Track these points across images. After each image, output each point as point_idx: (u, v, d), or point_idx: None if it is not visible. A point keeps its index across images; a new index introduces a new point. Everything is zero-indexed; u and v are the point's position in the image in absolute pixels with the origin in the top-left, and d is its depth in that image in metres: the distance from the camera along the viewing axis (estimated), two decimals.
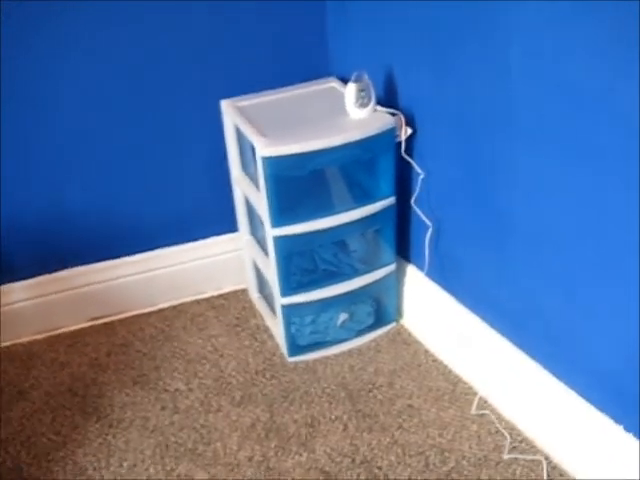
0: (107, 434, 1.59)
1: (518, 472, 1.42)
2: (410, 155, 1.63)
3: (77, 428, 1.61)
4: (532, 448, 1.47)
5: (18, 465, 1.53)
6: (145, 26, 1.69)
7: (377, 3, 1.62)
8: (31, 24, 1.60)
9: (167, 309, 1.98)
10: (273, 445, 1.53)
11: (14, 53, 1.61)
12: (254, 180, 1.69)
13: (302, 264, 1.72)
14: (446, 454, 1.47)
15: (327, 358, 1.76)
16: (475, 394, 1.60)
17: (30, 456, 1.55)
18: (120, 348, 1.85)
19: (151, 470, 1.50)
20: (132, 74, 1.72)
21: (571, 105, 1.16)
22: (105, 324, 1.94)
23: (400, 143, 1.61)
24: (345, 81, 1.62)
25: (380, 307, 1.83)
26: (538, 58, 1.20)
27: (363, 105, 1.57)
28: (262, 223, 1.67)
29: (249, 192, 1.73)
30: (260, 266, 1.82)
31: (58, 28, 1.62)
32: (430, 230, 1.62)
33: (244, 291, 2.02)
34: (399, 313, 1.86)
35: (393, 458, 1.48)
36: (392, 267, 1.77)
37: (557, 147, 1.22)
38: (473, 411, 1.57)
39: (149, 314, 1.96)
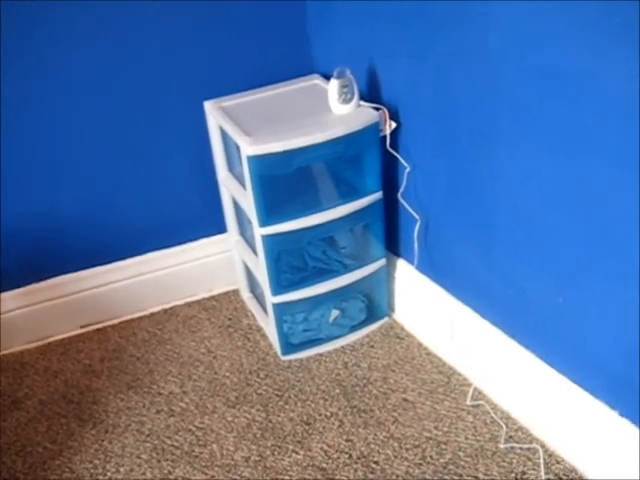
0: (103, 440, 1.59)
1: (515, 461, 1.42)
2: (395, 149, 1.63)
3: (73, 435, 1.61)
4: (528, 437, 1.47)
5: (14, 475, 1.52)
6: (126, 29, 1.68)
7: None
8: (21, 33, 1.59)
9: (159, 313, 1.97)
10: (269, 444, 1.53)
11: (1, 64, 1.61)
12: (240, 180, 1.68)
13: (292, 262, 1.72)
14: (442, 446, 1.48)
15: (321, 355, 1.76)
16: (470, 385, 1.60)
17: (26, 466, 1.54)
18: (113, 354, 1.84)
19: (148, 474, 1.49)
20: (115, 80, 1.72)
21: (552, 92, 1.16)
22: (97, 330, 1.93)
23: (385, 137, 1.61)
24: (328, 78, 1.61)
25: (372, 302, 1.83)
26: (517, 46, 1.20)
27: (346, 101, 1.57)
28: (250, 223, 1.67)
29: (236, 192, 1.73)
30: (250, 266, 1.82)
31: (44, 34, 1.62)
32: (418, 223, 1.62)
33: (235, 292, 2.01)
34: (391, 308, 1.86)
35: (390, 452, 1.48)
36: (382, 262, 1.77)
37: (539, 135, 1.22)
38: (468, 402, 1.57)
39: (141, 318, 1.96)
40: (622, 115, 1.05)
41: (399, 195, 1.66)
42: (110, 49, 1.68)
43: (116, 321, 1.95)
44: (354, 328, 1.81)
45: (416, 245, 1.65)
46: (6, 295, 1.84)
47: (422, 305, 1.73)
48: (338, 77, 1.55)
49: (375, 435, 1.52)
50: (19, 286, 1.85)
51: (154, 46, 1.72)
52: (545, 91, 1.18)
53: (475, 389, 1.59)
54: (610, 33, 1.03)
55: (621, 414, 1.26)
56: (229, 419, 1.61)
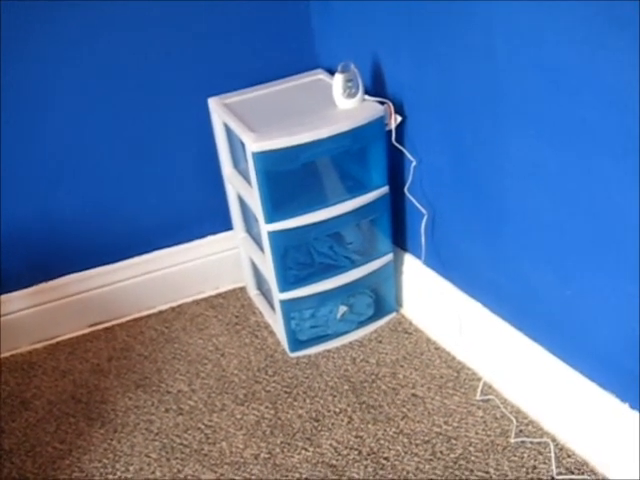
0: (112, 439, 1.58)
1: (526, 455, 1.41)
2: (401, 143, 1.62)
3: (82, 435, 1.61)
4: (539, 431, 1.46)
5: (24, 475, 1.52)
6: (129, 27, 1.68)
7: None
8: (21, 31, 1.59)
9: (166, 311, 1.97)
10: (279, 442, 1.53)
11: None
12: (246, 177, 1.68)
13: (298, 258, 1.71)
14: (453, 441, 1.47)
15: (329, 351, 1.75)
16: (479, 380, 1.59)
17: (36, 466, 1.54)
18: (121, 352, 1.84)
19: (157, 473, 1.49)
20: (118, 77, 1.71)
21: (555, 85, 1.15)
22: (105, 329, 1.93)
23: (390, 131, 1.60)
24: (332, 72, 1.61)
25: (379, 298, 1.82)
26: (520, 40, 1.19)
27: (351, 95, 1.56)
28: (256, 219, 1.66)
29: (242, 189, 1.72)
30: (257, 263, 1.81)
31: (44, 34, 1.61)
32: (425, 218, 1.61)
33: (242, 289, 2.01)
34: (399, 303, 1.85)
35: (400, 448, 1.47)
36: (389, 257, 1.76)
37: (544, 129, 1.21)
38: (478, 397, 1.56)
39: (148, 317, 1.96)
40: (624, 108, 1.04)
41: (405, 189, 1.65)
42: (113, 46, 1.68)
43: (124, 320, 1.95)
44: (362, 324, 1.80)
45: (423, 240, 1.64)
46: (14, 295, 1.84)
47: (430, 300, 1.72)
48: (342, 71, 1.54)
49: (385, 431, 1.52)
50: (26, 286, 1.85)
51: (158, 43, 1.71)
52: (548, 85, 1.17)
53: (485, 383, 1.58)
54: (610, 26, 1.02)
55: (631, 406, 1.25)
56: (238, 417, 1.60)
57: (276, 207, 1.57)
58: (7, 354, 1.87)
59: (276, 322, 1.79)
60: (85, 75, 1.68)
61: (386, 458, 1.46)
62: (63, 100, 1.69)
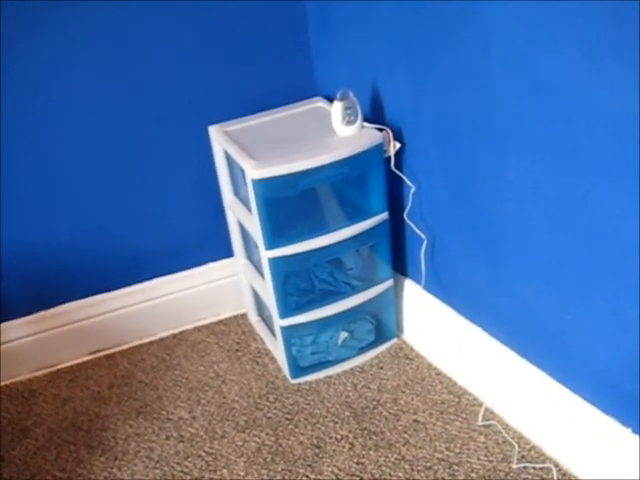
0: (112, 467, 1.58)
1: None
2: (400, 169, 1.63)
3: (82, 463, 1.60)
4: (541, 456, 1.45)
5: None
6: (130, 55, 1.70)
7: (358, 22, 1.63)
8: (12, 54, 1.61)
9: (167, 338, 1.97)
10: (280, 469, 1.52)
11: None
12: (246, 203, 1.69)
13: (299, 284, 1.72)
14: (455, 467, 1.46)
15: (330, 378, 1.75)
16: (480, 405, 1.59)
17: None
18: (122, 380, 1.84)
19: None
20: (119, 105, 1.73)
21: (552, 110, 1.16)
22: (106, 356, 1.93)
23: (389, 158, 1.61)
24: (331, 100, 1.62)
25: (380, 323, 1.82)
26: (517, 65, 1.20)
27: (350, 122, 1.58)
28: (257, 246, 1.67)
29: (242, 216, 1.73)
30: (257, 289, 1.81)
31: (44, 59, 1.64)
32: (425, 243, 1.62)
33: (243, 316, 2.01)
34: (399, 328, 1.85)
35: (401, 474, 1.46)
36: (389, 283, 1.76)
37: (542, 152, 1.22)
38: (479, 422, 1.55)
39: (150, 344, 1.96)
40: (620, 132, 1.05)
41: (405, 215, 1.66)
42: (114, 74, 1.70)
43: (125, 347, 1.95)
44: (363, 350, 1.80)
45: (423, 265, 1.64)
46: (14, 323, 1.84)
47: (431, 325, 1.72)
48: (341, 99, 1.55)
49: (386, 457, 1.51)
50: (27, 314, 1.85)
51: (159, 72, 1.74)
52: (544, 109, 1.18)
53: (486, 409, 1.57)
54: (607, 49, 1.03)
55: (634, 431, 1.25)
56: (239, 444, 1.60)
57: (276, 233, 1.58)
58: (7, 382, 1.87)
59: (277, 348, 1.79)
60: (85, 102, 1.70)
61: None
62: (63, 127, 1.71)
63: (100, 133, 1.74)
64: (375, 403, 1.65)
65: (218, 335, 1.96)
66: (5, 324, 1.83)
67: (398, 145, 1.60)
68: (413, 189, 1.61)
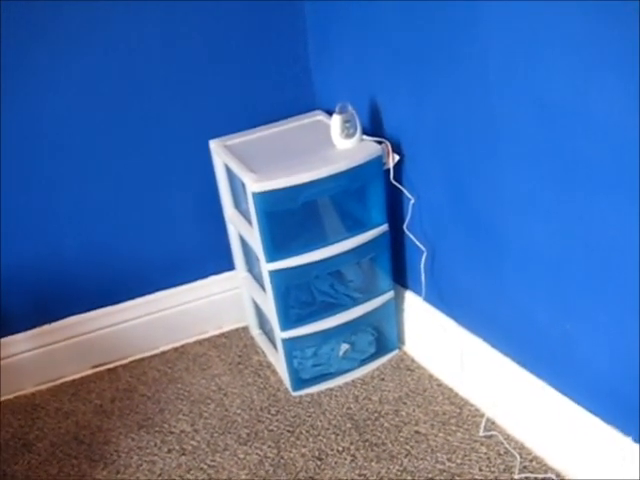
0: None
1: None
2: (399, 181, 1.64)
3: (84, 477, 1.60)
4: (543, 466, 1.45)
5: None
6: (131, 70, 1.71)
7: (357, 35, 1.64)
8: (19, 78, 1.63)
9: (169, 351, 1.98)
10: None
11: None
12: (247, 217, 1.70)
13: (300, 297, 1.72)
14: (456, 478, 1.46)
15: (331, 390, 1.75)
16: (482, 416, 1.59)
17: None
18: (124, 393, 1.84)
19: None
20: (120, 120, 1.74)
21: (550, 123, 1.17)
22: (108, 370, 1.93)
23: (389, 170, 1.62)
24: (331, 113, 1.63)
25: (381, 335, 1.82)
26: (515, 79, 1.22)
27: (349, 135, 1.59)
28: (257, 259, 1.68)
29: (243, 229, 1.74)
30: (259, 302, 1.82)
31: (45, 78, 1.65)
32: (425, 255, 1.63)
33: (245, 328, 2.01)
34: (400, 340, 1.85)
35: None
36: (390, 294, 1.77)
37: (541, 164, 1.23)
38: (481, 433, 1.55)
39: (152, 357, 1.96)
40: (619, 143, 1.06)
41: (405, 227, 1.67)
42: (115, 89, 1.71)
43: (127, 361, 1.96)
44: (364, 361, 1.80)
45: (423, 276, 1.65)
46: (17, 337, 1.85)
47: (432, 336, 1.72)
48: (340, 112, 1.57)
49: (388, 469, 1.51)
50: (29, 328, 1.86)
51: (159, 87, 1.75)
52: (544, 121, 1.19)
53: (487, 419, 1.57)
54: (605, 62, 1.04)
55: (635, 440, 1.25)
56: (241, 456, 1.60)
57: (277, 246, 1.59)
58: (10, 396, 1.87)
59: (278, 361, 1.79)
60: (87, 117, 1.71)
61: None
62: (65, 141, 1.72)
63: (102, 148, 1.75)
64: (377, 415, 1.65)
65: (220, 348, 1.96)
66: (8, 338, 1.84)
67: (397, 157, 1.61)
68: (413, 201, 1.62)
